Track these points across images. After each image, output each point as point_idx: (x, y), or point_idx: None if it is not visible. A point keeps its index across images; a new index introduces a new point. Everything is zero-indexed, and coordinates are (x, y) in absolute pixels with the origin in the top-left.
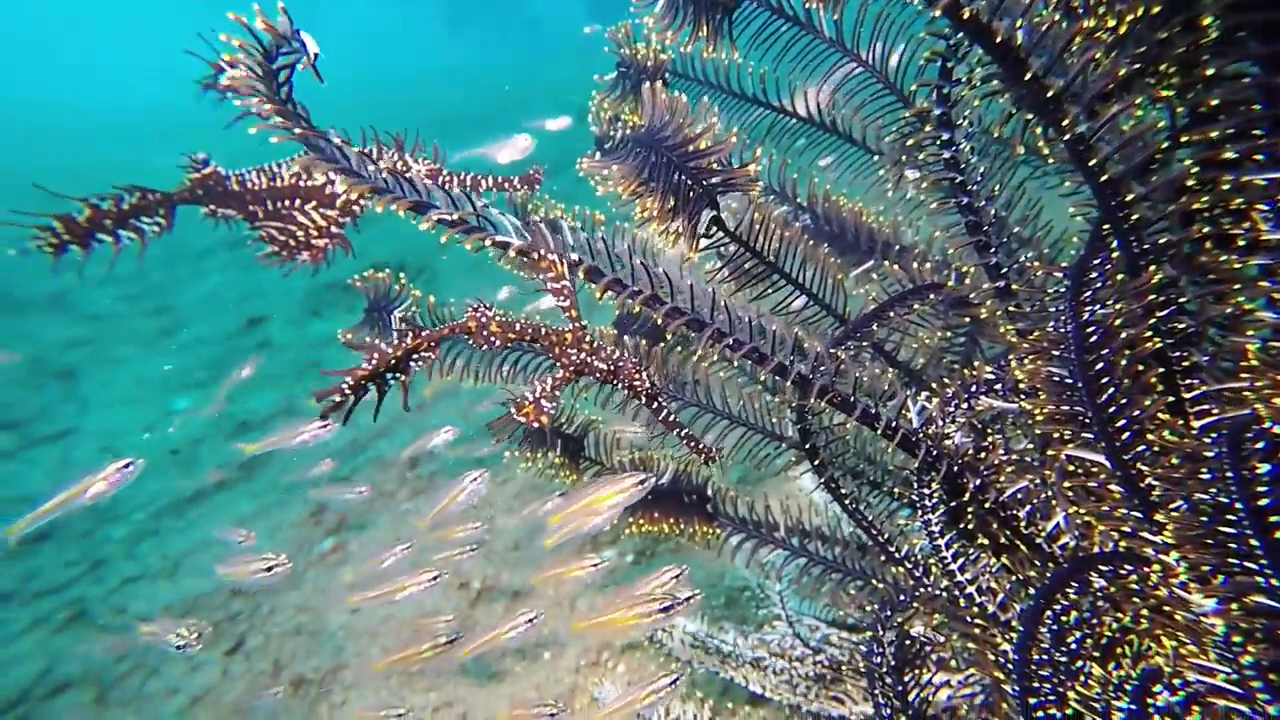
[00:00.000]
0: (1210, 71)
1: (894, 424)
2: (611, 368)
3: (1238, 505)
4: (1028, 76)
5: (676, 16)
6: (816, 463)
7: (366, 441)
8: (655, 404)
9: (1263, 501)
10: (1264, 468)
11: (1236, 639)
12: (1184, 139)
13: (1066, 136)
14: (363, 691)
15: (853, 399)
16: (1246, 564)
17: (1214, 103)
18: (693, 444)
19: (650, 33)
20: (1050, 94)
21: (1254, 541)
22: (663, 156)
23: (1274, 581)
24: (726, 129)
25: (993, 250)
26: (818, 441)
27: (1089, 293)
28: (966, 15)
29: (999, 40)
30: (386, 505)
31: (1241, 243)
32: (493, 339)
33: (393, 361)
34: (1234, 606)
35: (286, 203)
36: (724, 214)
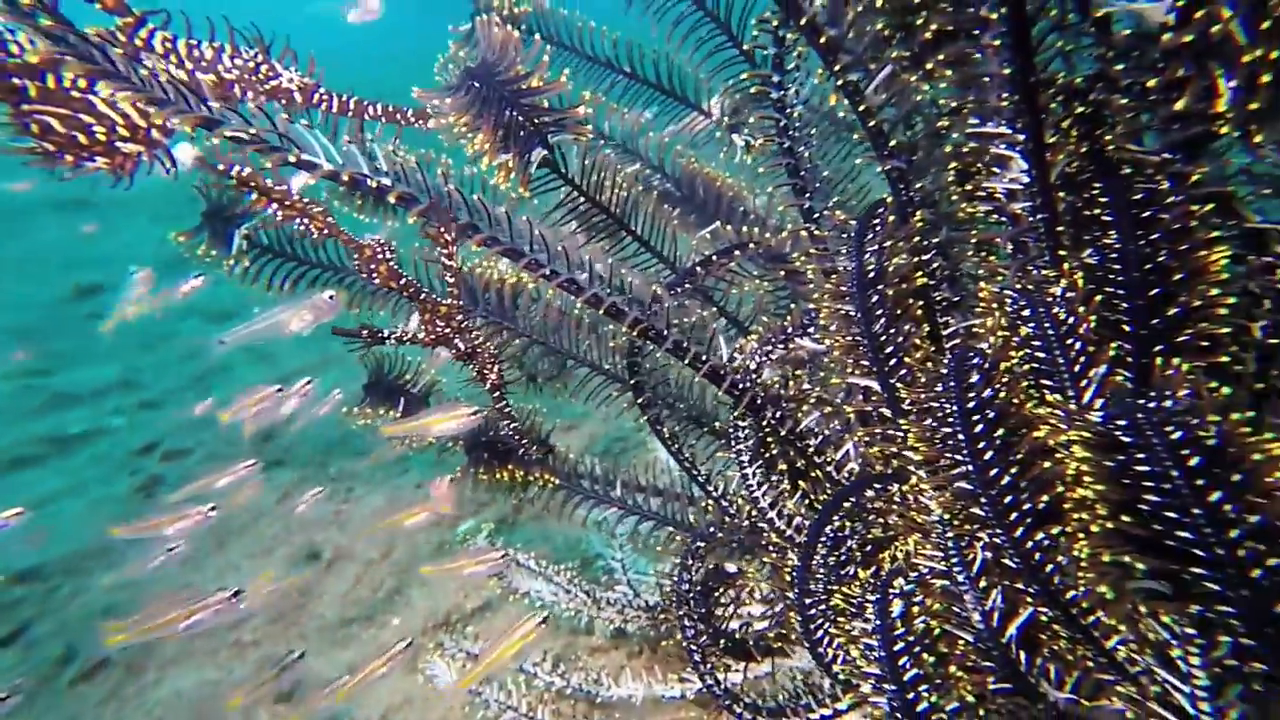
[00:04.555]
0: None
1: (703, 357)
2: (470, 349)
3: (954, 408)
4: (803, 21)
5: None
6: (641, 401)
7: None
8: (499, 394)
9: (970, 404)
10: (975, 377)
11: (947, 518)
12: (940, 101)
13: (840, 82)
14: (184, 668)
15: (664, 332)
16: (958, 457)
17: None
18: (530, 440)
19: None
20: (823, 40)
21: (960, 436)
22: (495, 92)
23: (970, 468)
24: (579, 92)
25: (808, 195)
26: (644, 380)
27: (871, 235)
28: None
29: None
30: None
31: (980, 193)
32: (374, 275)
33: (286, 202)
34: (948, 494)
35: (83, 84)
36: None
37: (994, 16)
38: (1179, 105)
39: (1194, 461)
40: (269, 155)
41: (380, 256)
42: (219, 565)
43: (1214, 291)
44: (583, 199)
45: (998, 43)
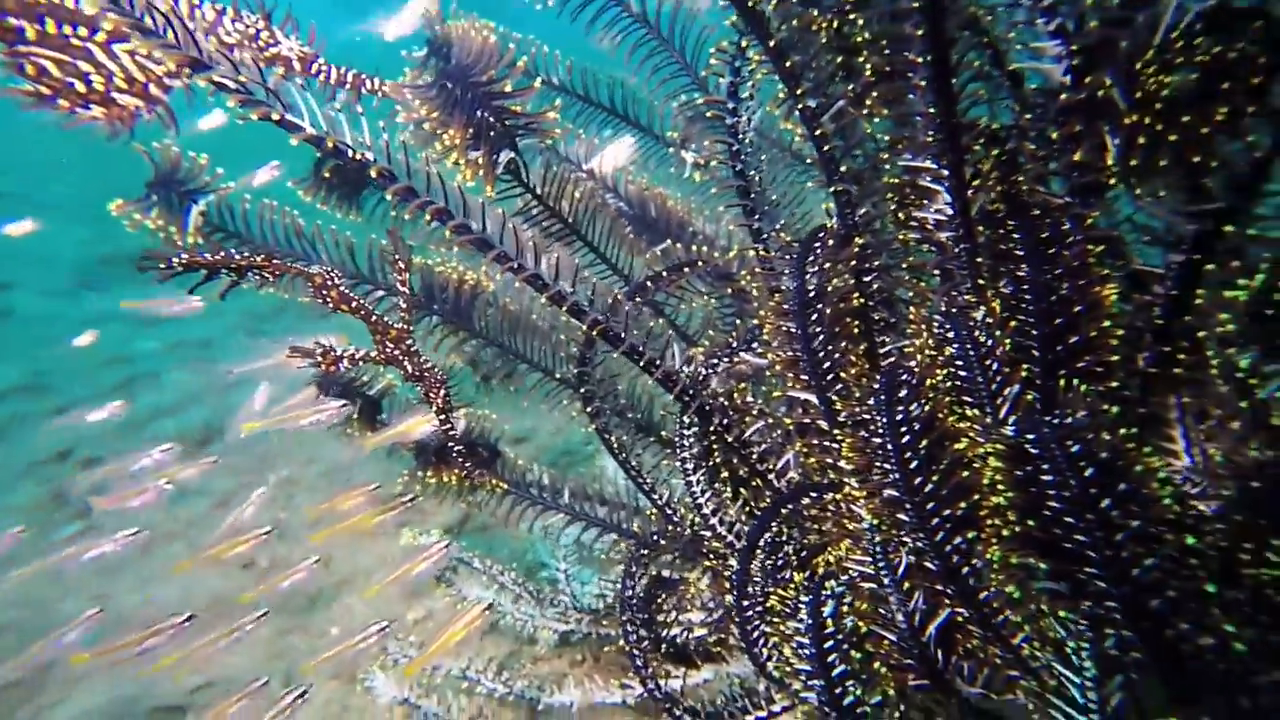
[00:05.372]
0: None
1: (657, 362)
2: (417, 373)
3: (883, 421)
4: (772, 43)
5: None
6: (590, 410)
7: (146, 419)
8: (444, 418)
9: (899, 416)
10: (903, 392)
11: (876, 524)
12: (879, 135)
13: (800, 107)
14: (89, 685)
15: (622, 335)
16: (886, 466)
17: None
18: (473, 471)
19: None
20: (787, 65)
21: (889, 446)
22: (468, 92)
23: (897, 476)
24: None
25: (756, 216)
26: (594, 389)
27: (813, 256)
28: None
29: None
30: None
31: (912, 222)
32: (327, 300)
33: (234, 266)
34: (877, 501)
35: (83, 32)
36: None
37: (921, 60)
38: (1078, 156)
39: (1088, 472)
40: (253, 108)
41: (330, 284)
42: (141, 575)
43: (1107, 324)
44: (541, 207)
45: (924, 84)
